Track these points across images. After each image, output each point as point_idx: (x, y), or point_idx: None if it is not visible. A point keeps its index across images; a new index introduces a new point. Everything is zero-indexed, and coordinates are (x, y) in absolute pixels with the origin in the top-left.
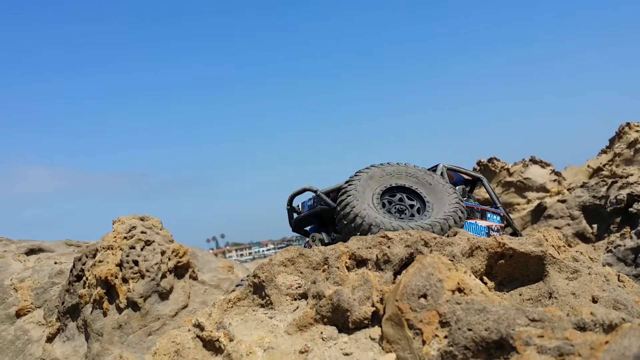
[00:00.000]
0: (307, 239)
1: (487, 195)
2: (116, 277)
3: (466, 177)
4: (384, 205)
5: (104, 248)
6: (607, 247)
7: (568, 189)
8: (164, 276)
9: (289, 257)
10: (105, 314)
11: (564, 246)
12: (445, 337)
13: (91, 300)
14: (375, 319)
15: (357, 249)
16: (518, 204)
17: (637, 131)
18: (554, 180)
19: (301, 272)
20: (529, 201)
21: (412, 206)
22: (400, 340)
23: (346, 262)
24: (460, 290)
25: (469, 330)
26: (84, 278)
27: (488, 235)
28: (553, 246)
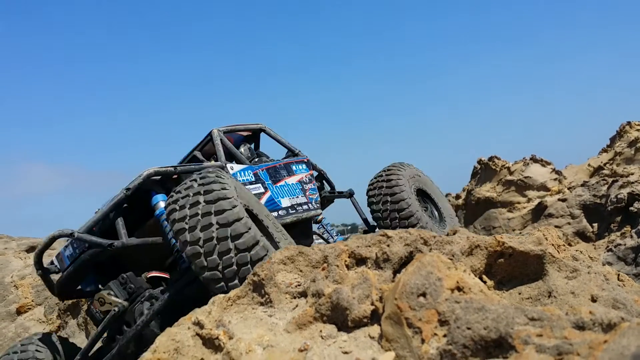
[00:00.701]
0: (92, 301)
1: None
2: None
3: (245, 133)
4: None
5: None
6: (608, 246)
7: (568, 188)
8: None
9: (289, 255)
10: None
11: (564, 245)
12: (444, 335)
13: None
14: (375, 317)
15: (356, 248)
16: (518, 203)
17: (637, 130)
18: (555, 179)
19: (301, 271)
20: (529, 200)
21: (439, 213)
22: (399, 338)
23: (346, 261)
24: (459, 289)
25: (468, 329)
26: None
27: (304, 191)
28: (553, 245)
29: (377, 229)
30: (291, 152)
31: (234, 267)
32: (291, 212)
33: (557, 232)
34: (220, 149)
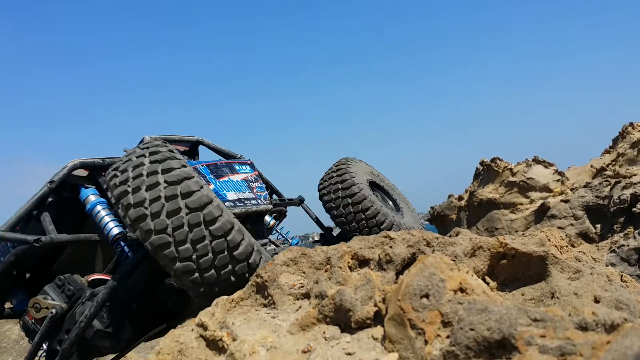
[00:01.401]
0: (25, 312)
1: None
2: None
3: (182, 148)
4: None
5: None
6: (611, 247)
7: (571, 189)
8: None
9: (292, 256)
10: None
11: (567, 246)
12: (448, 336)
13: None
14: (378, 318)
15: (359, 249)
16: (521, 204)
17: None
18: (557, 180)
19: (304, 272)
20: (532, 201)
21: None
22: (402, 340)
23: (348, 262)
24: (462, 290)
25: (471, 330)
26: None
27: (250, 189)
28: (555, 246)
29: (334, 229)
30: (233, 158)
31: (185, 227)
32: (239, 204)
33: (560, 234)
34: None
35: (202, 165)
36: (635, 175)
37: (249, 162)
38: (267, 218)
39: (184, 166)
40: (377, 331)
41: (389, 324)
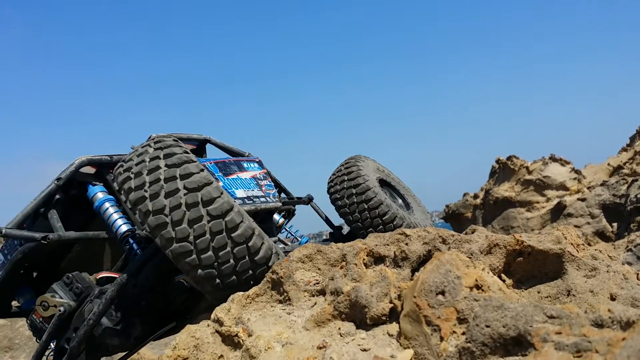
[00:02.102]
0: (33, 311)
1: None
2: None
3: (189, 147)
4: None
5: None
6: (627, 246)
7: (588, 188)
8: None
9: (307, 253)
10: None
11: (583, 244)
12: (463, 333)
13: None
14: (393, 315)
15: (375, 246)
16: (537, 202)
17: None
18: (574, 179)
19: (319, 269)
20: (548, 199)
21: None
22: (418, 336)
23: (364, 259)
24: (478, 287)
25: (487, 326)
26: None
27: (259, 186)
28: (572, 244)
29: (343, 228)
30: (241, 156)
31: (207, 236)
32: (248, 202)
33: (577, 232)
34: None
35: (211, 163)
36: None
37: (257, 160)
38: (276, 216)
39: (202, 170)
40: (393, 327)
41: (404, 321)
